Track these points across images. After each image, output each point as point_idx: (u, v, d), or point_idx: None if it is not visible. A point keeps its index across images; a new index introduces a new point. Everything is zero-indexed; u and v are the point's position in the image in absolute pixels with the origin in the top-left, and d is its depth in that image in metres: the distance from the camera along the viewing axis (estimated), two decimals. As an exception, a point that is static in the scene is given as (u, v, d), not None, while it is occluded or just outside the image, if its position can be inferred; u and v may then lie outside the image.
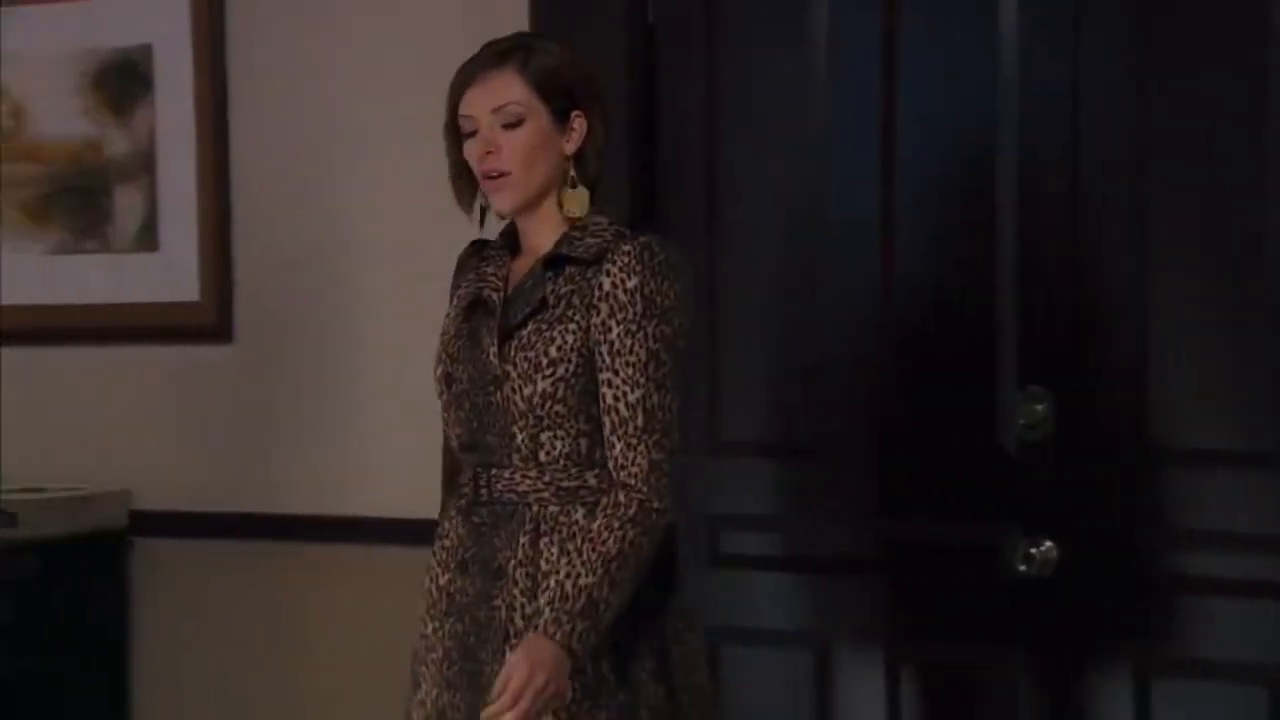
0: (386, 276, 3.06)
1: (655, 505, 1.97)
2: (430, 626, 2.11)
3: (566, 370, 2.01)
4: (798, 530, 2.82)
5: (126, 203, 3.23)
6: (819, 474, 2.78)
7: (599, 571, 1.94)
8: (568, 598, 1.93)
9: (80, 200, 3.25)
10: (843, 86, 2.76)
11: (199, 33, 3.13)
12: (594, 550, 1.95)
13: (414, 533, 2.99)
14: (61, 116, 3.25)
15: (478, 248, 2.18)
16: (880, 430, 2.74)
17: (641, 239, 2.03)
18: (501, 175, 2.05)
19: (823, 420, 2.77)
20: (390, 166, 3.05)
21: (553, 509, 2.03)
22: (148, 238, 3.22)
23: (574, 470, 2.03)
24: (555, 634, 1.91)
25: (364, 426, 3.06)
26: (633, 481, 1.98)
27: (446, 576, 2.10)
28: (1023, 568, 2.57)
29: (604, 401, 2.00)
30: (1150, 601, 2.54)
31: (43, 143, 3.27)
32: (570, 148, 2.07)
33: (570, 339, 2.01)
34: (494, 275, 2.11)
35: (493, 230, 2.17)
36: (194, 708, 3.20)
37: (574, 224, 2.06)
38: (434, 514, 2.98)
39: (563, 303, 2.03)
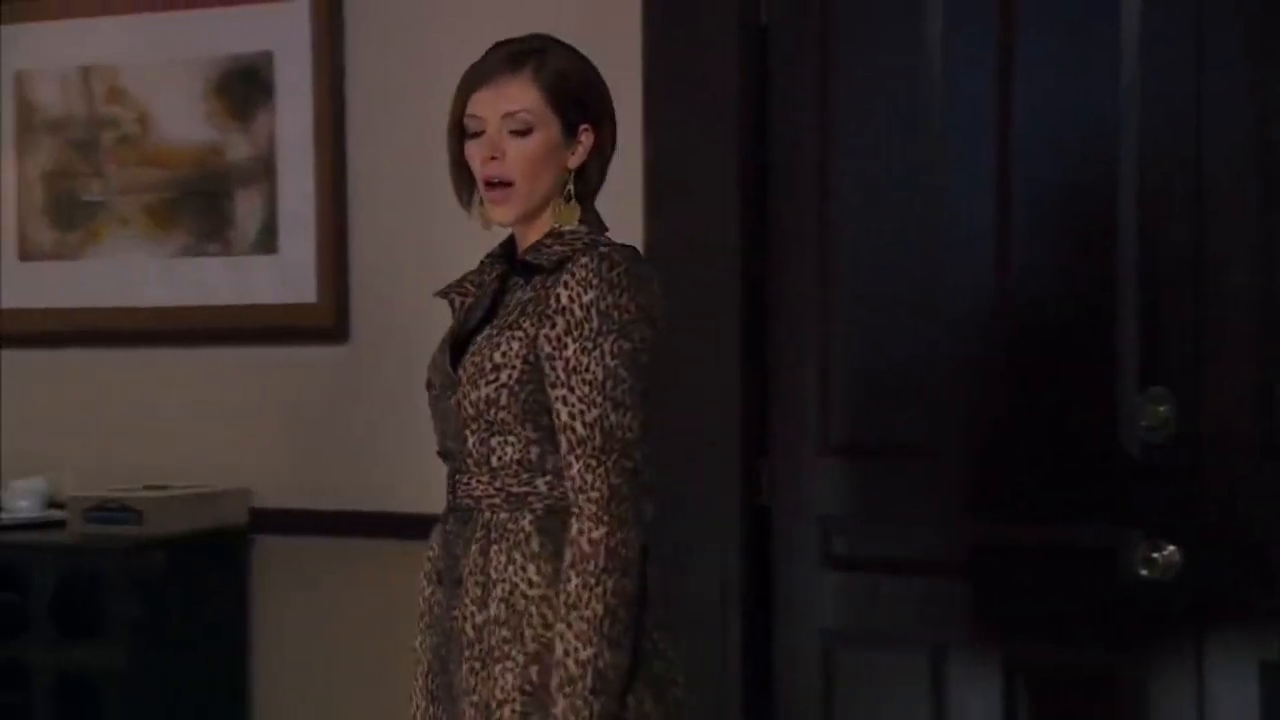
0: (499, 278, 3.09)
1: (619, 538, 1.90)
2: (418, 640, 2.11)
3: (509, 377, 1.97)
4: (912, 532, 2.79)
5: (247, 207, 3.28)
6: (934, 475, 2.76)
7: (595, 640, 1.88)
8: (574, 679, 1.88)
9: (203, 204, 3.31)
10: (958, 88, 2.73)
11: (319, 41, 3.18)
12: (581, 618, 1.89)
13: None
14: (185, 122, 3.31)
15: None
16: (997, 432, 2.71)
17: (602, 249, 1.96)
18: (503, 184, 2.01)
19: (938, 422, 2.74)
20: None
21: (502, 516, 1.99)
22: (267, 241, 3.27)
23: (524, 476, 1.98)
24: None
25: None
26: (593, 508, 1.90)
27: (429, 589, 2.09)
28: (1144, 572, 2.53)
29: (559, 419, 1.93)
30: (1275, 605, 2.49)
31: (167, 148, 3.34)
32: (574, 161, 2.03)
33: (515, 345, 1.97)
34: (471, 282, 2.11)
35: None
36: (310, 702, 3.25)
37: (552, 232, 2.03)
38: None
39: (517, 310, 1.99)
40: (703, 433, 2.87)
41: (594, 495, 1.91)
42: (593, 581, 1.89)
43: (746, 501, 2.88)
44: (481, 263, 2.14)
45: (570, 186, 2.04)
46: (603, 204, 2.98)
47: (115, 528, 3.07)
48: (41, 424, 3.42)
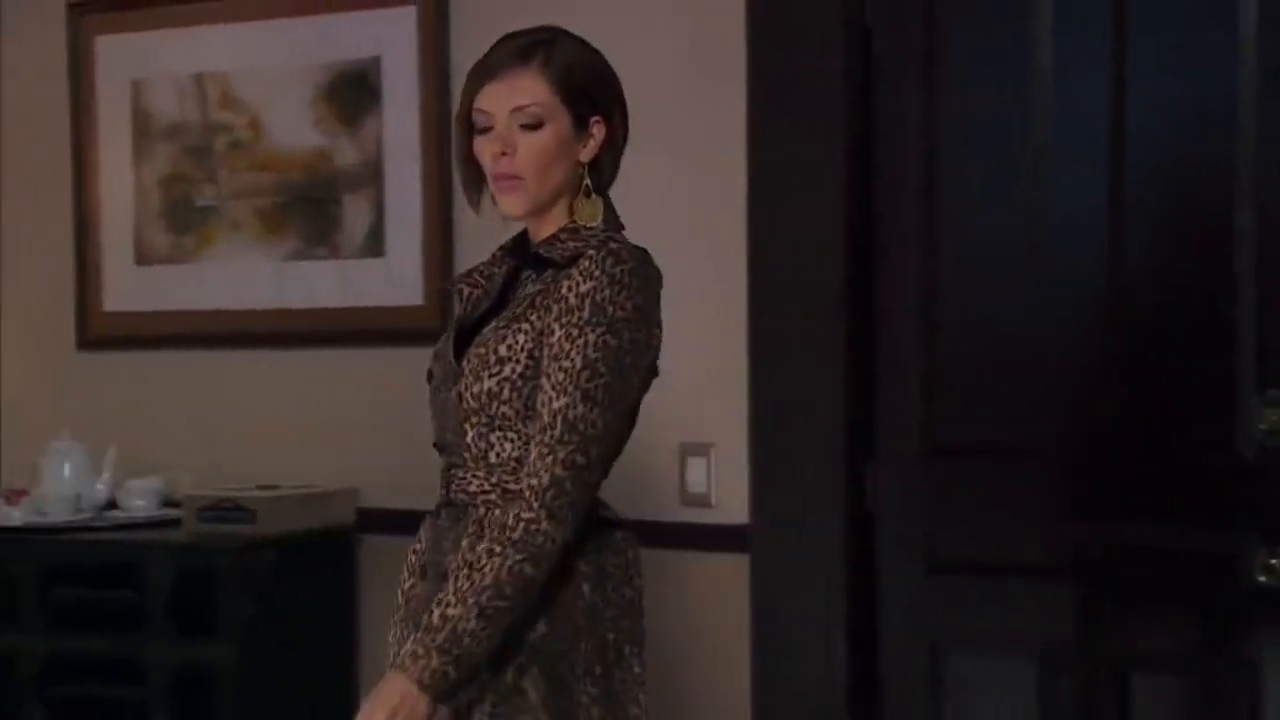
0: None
1: (543, 527, 1.86)
2: (391, 634, 2.07)
3: (513, 371, 1.93)
4: (1020, 535, 2.75)
5: (355, 210, 3.32)
6: (1043, 477, 2.72)
7: (469, 602, 1.84)
8: (432, 629, 1.85)
9: (312, 209, 3.35)
10: (1068, 87, 2.69)
11: (425, 46, 3.20)
12: (469, 578, 1.85)
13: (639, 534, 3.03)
14: (295, 128, 3.35)
15: None
16: (1109, 433, 2.66)
17: (612, 245, 1.93)
18: (514, 178, 1.96)
19: (1047, 422, 2.70)
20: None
21: (497, 513, 1.94)
22: (374, 244, 3.30)
23: (521, 473, 1.94)
24: (410, 667, 1.84)
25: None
26: (529, 494, 1.88)
27: (410, 581, 2.06)
28: (1262, 578, 2.47)
29: (535, 404, 1.91)
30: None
31: (278, 153, 3.38)
32: (586, 155, 1.98)
33: (521, 339, 1.93)
34: (482, 274, 2.06)
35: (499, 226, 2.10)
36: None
37: (567, 227, 1.98)
38: (654, 516, 3.03)
39: (525, 303, 1.96)
40: (806, 436, 2.86)
41: (534, 483, 1.88)
42: (498, 550, 1.86)
43: (851, 505, 2.85)
44: (494, 255, 2.11)
45: (587, 181, 1.99)
46: (706, 206, 2.99)
47: (229, 527, 3.11)
48: (156, 424, 3.49)
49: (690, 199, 3.01)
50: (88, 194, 3.57)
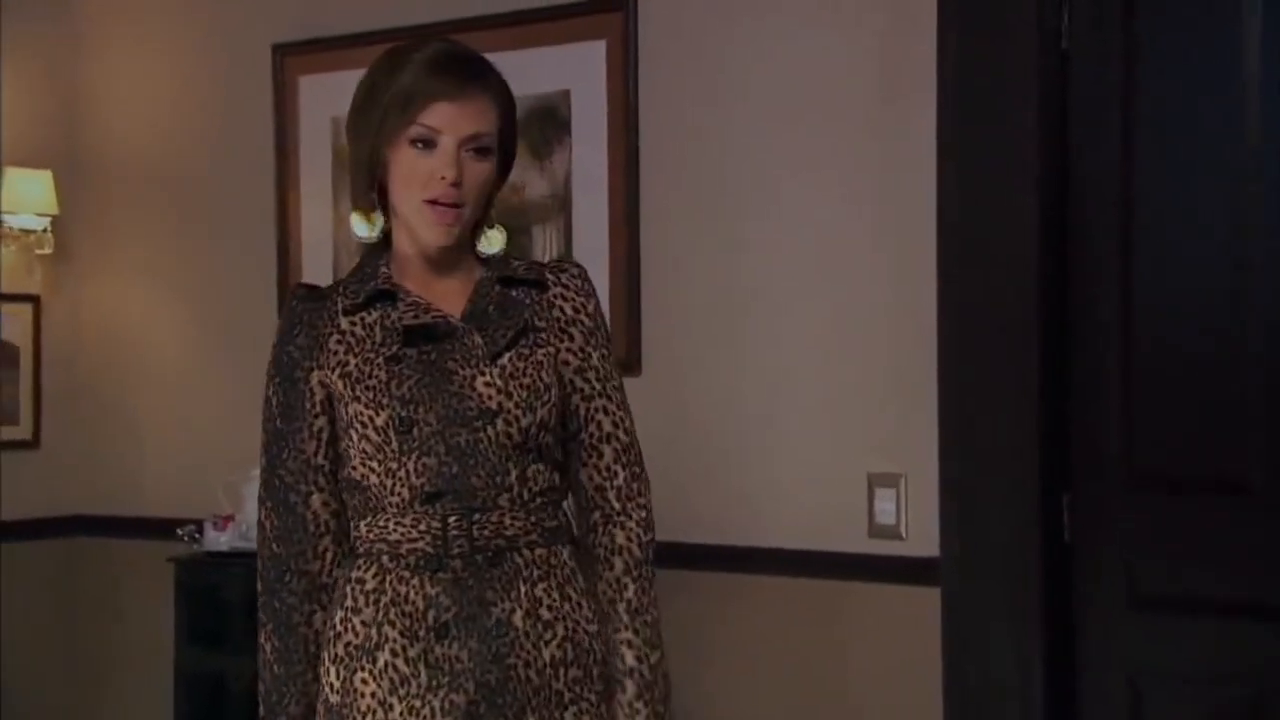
0: (791, 316, 3.08)
1: (650, 539, 1.95)
2: (401, 706, 1.84)
3: (555, 396, 1.92)
4: (1230, 571, 2.66)
5: (543, 242, 3.37)
6: (1249, 510, 2.62)
7: (658, 644, 1.93)
8: (651, 685, 1.91)
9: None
10: (1276, 108, 2.59)
11: (613, 79, 3.23)
12: (645, 624, 1.92)
13: (805, 563, 3.01)
14: (491, 162, 3.42)
15: (315, 292, 1.97)
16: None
17: (566, 262, 2.01)
18: (458, 207, 1.87)
19: (1252, 453, 2.61)
20: (796, 208, 3.07)
21: (540, 551, 1.90)
22: (563, 275, 3.34)
23: (550, 508, 1.93)
24: None
25: (764, 459, 3.10)
26: (643, 514, 1.95)
27: (418, 647, 1.85)
28: None
29: (599, 429, 1.95)
30: None
31: (470, 187, 3.46)
32: (498, 185, 1.95)
33: (549, 362, 1.93)
34: (422, 304, 1.91)
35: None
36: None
37: (482, 253, 1.97)
38: (839, 548, 2.99)
39: (540, 325, 1.94)
40: (1000, 466, 2.80)
41: (642, 501, 1.96)
42: (647, 586, 1.94)
43: (1048, 537, 2.78)
44: (378, 282, 1.94)
45: (493, 211, 1.97)
46: (896, 230, 2.96)
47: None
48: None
49: (879, 223, 2.98)
50: (290, 226, 3.70)
